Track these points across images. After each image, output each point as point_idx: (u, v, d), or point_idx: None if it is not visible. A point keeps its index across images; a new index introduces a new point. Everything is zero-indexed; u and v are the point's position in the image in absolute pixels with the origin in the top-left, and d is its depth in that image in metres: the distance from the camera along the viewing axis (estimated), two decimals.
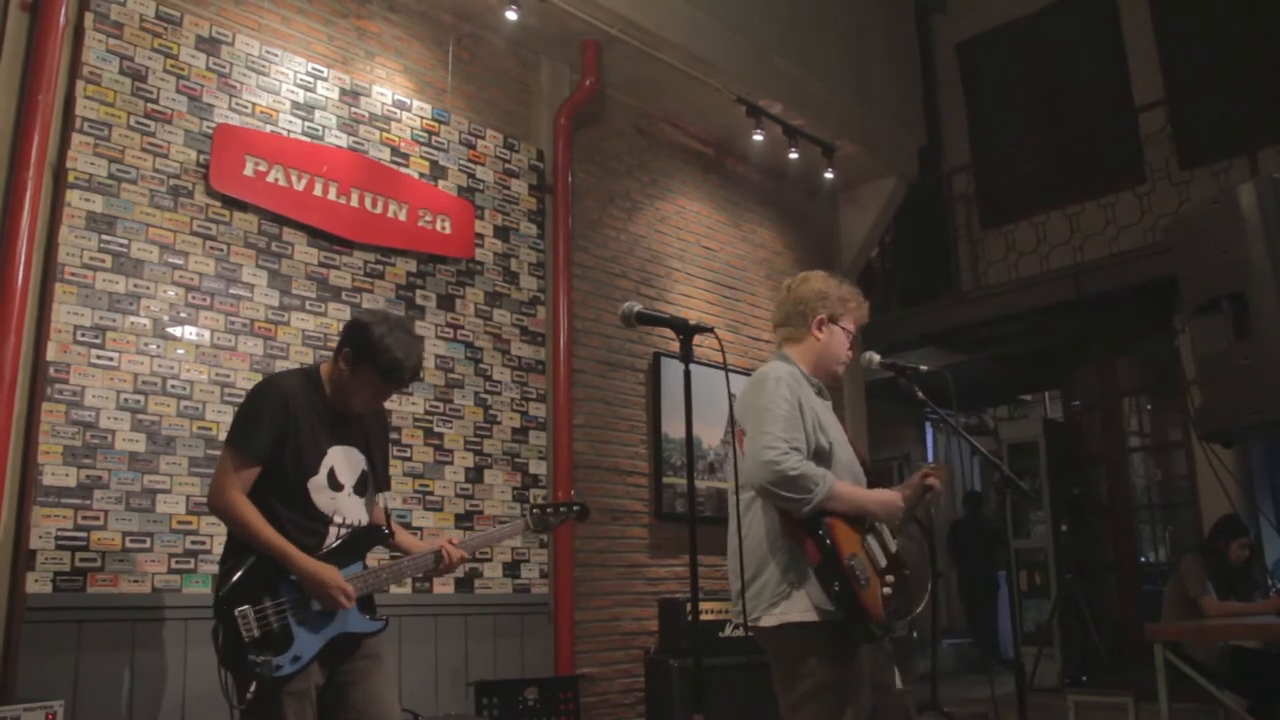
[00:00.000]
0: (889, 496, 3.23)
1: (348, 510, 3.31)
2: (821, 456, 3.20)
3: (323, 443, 3.27)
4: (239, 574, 3.07)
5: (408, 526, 5.09)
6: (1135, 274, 8.07)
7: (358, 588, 3.19)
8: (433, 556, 3.45)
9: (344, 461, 3.33)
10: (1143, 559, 9.72)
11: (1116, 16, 9.37)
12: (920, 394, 3.46)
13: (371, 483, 3.44)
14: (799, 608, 3.09)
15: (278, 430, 3.17)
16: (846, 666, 3.08)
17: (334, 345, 4.91)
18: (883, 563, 3.18)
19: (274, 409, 3.19)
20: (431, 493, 5.35)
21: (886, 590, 3.14)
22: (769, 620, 3.12)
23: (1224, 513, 6.57)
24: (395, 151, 5.56)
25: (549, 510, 3.82)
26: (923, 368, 3.49)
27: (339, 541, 3.25)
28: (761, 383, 3.24)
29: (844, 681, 3.06)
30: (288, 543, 3.10)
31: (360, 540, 3.32)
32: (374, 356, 3.22)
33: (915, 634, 8.98)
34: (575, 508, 3.87)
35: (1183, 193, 8.44)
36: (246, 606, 3.03)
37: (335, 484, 3.29)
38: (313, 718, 3.12)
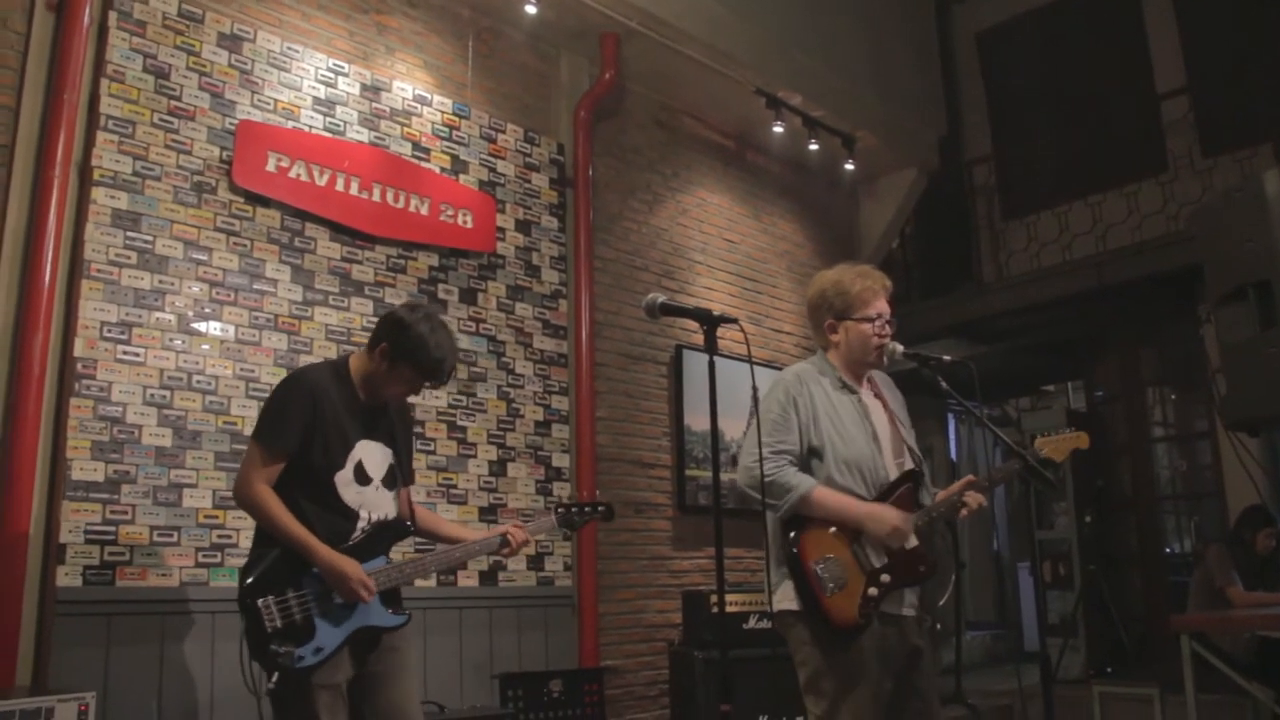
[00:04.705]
0: (881, 512, 3.17)
1: (375, 505, 3.33)
2: (815, 454, 3.26)
3: (351, 437, 3.28)
4: (263, 565, 3.11)
5: None
6: (1158, 263, 8.01)
7: (380, 582, 3.21)
8: (499, 540, 3.52)
9: (372, 456, 3.34)
10: (1167, 550, 9.65)
11: (1138, 3, 9.29)
12: (944, 384, 3.44)
13: (399, 477, 3.45)
14: (788, 596, 3.18)
15: (304, 425, 3.18)
16: (841, 654, 3.09)
17: (358, 340, 4.99)
18: (877, 563, 3.18)
19: (301, 403, 3.20)
20: (455, 486, 5.37)
21: (872, 591, 3.15)
22: (773, 606, 3.25)
23: (1250, 503, 6.53)
24: (416, 146, 5.58)
25: (574, 510, 3.82)
26: (946, 358, 3.46)
27: (362, 536, 3.27)
28: (768, 388, 3.36)
29: (840, 672, 3.09)
30: (310, 535, 3.12)
31: (383, 535, 3.33)
32: (414, 355, 3.25)
33: (939, 626, 8.97)
34: (600, 508, 3.87)
35: (1206, 181, 8.38)
36: (269, 597, 3.06)
37: (363, 478, 3.30)
38: (344, 711, 3.15)
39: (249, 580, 3.09)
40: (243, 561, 4.29)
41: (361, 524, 3.28)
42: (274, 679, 3.00)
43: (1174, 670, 5.14)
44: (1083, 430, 3.59)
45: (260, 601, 3.05)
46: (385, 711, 3.26)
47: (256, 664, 3.07)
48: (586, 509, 3.84)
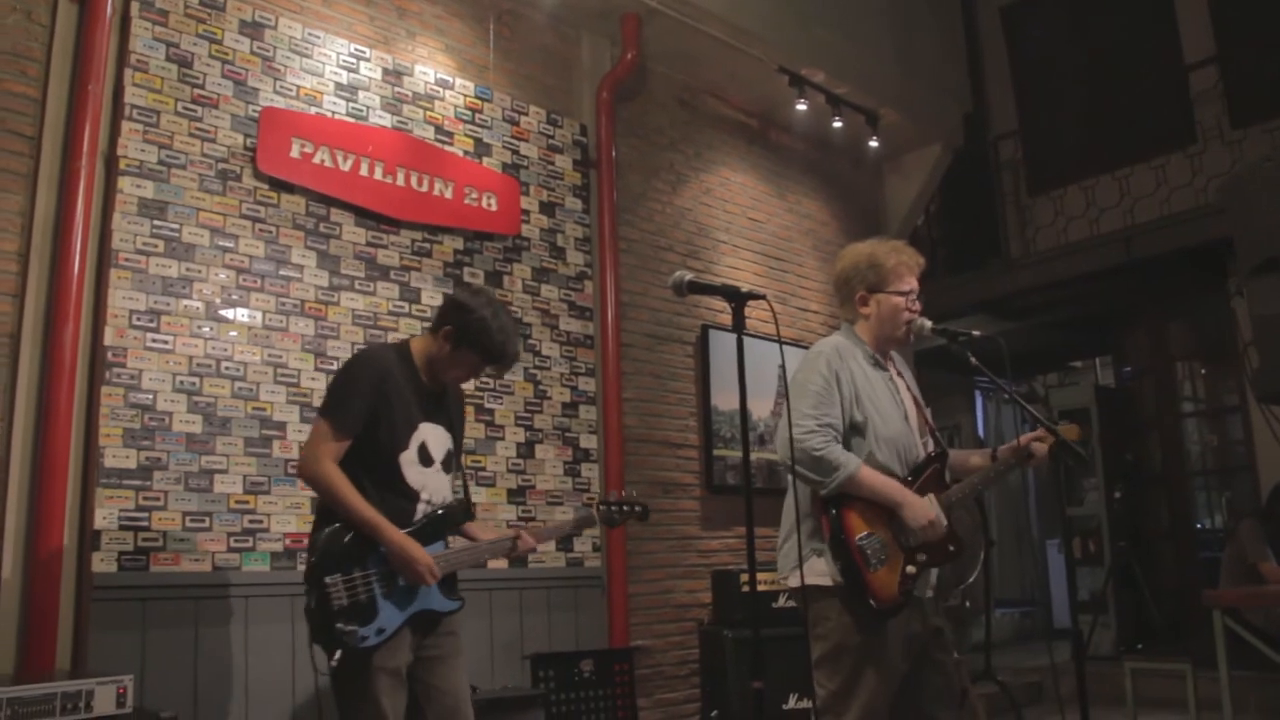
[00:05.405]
0: (920, 504, 3.18)
1: (435, 487, 3.36)
2: (857, 430, 3.25)
3: (415, 418, 3.31)
4: (330, 543, 3.12)
5: None
6: (1187, 236, 7.94)
7: (441, 566, 3.24)
8: (510, 542, 3.55)
9: (434, 438, 3.38)
10: (1199, 525, 9.60)
11: None
12: (973, 360, 3.43)
13: (456, 461, 3.49)
14: (818, 571, 3.18)
15: (371, 404, 3.22)
16: (868, 634, 3.10)
17: (384, 324, 5.01)
18: (914, 541, 3.19)
19: (369, 382, 3.24)
20: (484, 469, 5.39)
21: (910, 569, 3.16)
22: (793, 580, 3.22)
23: None
24: (439, 130, 5.58)
25: (614, 507, 3.87)
26: (975, 333, 3.45)
27: (424, 520, 3.30)
28: (806, 359, 3.33)
29: (863, 648, 3.10)
30: (379, 515, 3.14)
31: (444, 519, 3.37)
32: (479, 340, 3.30)
33: (968, 603, 8.95)
34: (638, 508, 3.91)
35: (1235, 152, 8.28)
36: (337, 575, 3.08)
37: (426, 459, 3.33)
38: (403, 696, 3.18)
39: (317, 557, 3.11)
40: (274, 546, 4.35)
41: (422, 505, 3.31)
42: (336, 658, 3.03)
43: (1206, 646, 5.11)
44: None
45: (328, 579, 3.07)
46: (438, 694, 3.30)
47: (317, 640, 3.10)
48: (625, 507, 3.89)
